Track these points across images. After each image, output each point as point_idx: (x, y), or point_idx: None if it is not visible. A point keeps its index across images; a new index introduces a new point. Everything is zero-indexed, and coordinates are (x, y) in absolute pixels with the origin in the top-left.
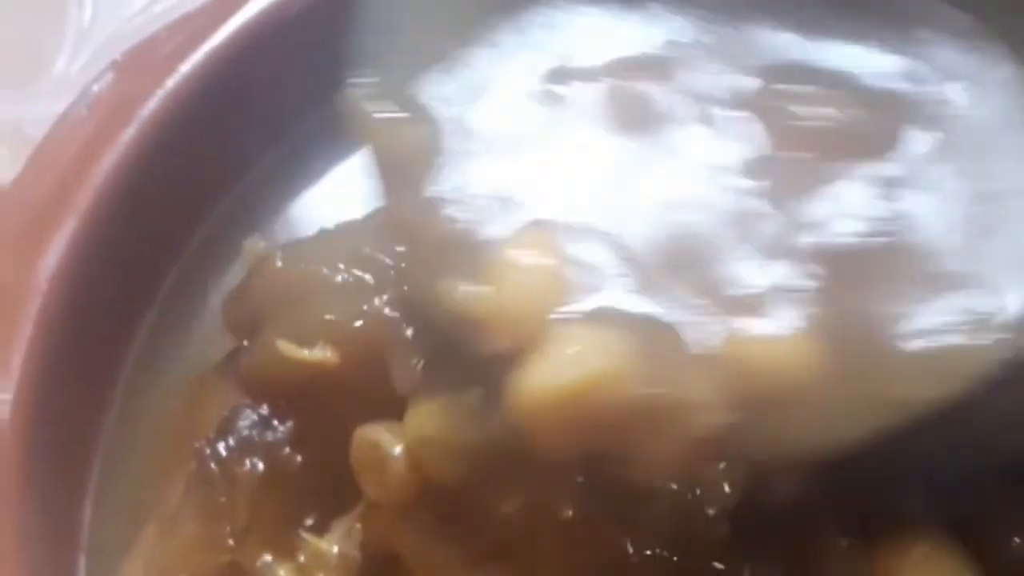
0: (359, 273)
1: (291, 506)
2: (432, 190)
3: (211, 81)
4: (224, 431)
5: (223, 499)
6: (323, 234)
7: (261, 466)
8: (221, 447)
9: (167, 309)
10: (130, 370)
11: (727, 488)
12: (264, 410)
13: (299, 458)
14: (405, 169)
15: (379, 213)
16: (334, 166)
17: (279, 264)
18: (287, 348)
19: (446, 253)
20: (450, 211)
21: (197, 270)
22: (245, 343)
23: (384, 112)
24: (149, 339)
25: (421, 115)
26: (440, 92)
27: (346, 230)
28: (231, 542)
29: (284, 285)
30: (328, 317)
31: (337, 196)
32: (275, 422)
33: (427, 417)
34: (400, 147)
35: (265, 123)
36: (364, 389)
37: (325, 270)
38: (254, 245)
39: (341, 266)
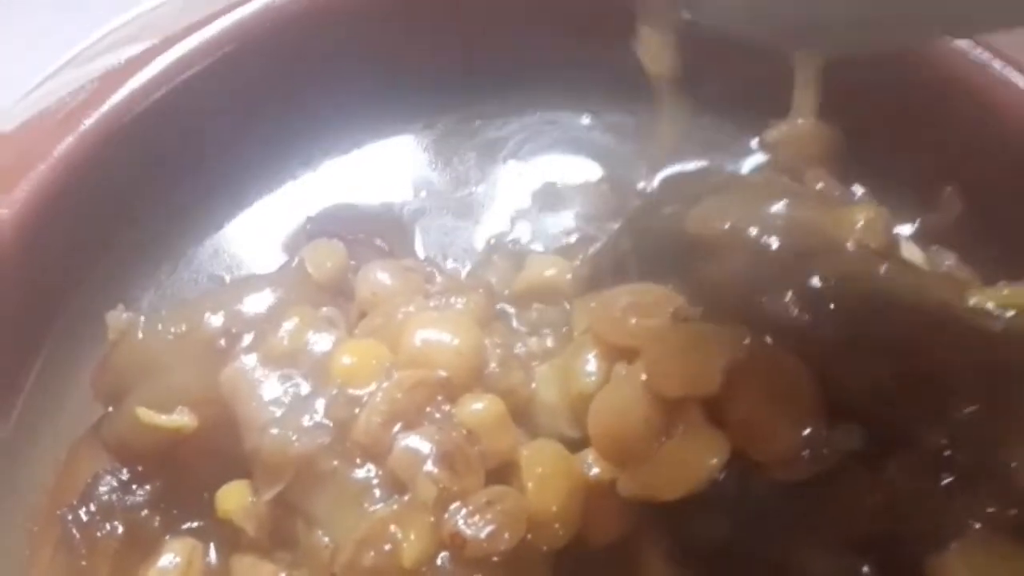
0: (218, 340)
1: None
2: None
3: (79, 162)
4: (86, 497)
5: (84, 563)
6: (184, 304)
7: (120, 529)
8: (83, 512)
9: (43, 379)
10: (7, 438)
11: None
12: (124, 475)
13: (157, 520)
14: None
15: (237, 283)
16: (215, 230)
17: (140, 335)
18: (146, 415)
19: None
20: None
21: (71, 342)
22: (110, 411)
23: None
24: (25, 409)
25: None
26: None
27: (205, 299)
28: None
29: (144, 354)
30: (187, 382)
31: (218, 257)
32: (135, 486)
33: None
34: None
35: (144, 191)
36: (220, 451)
37: (183, 338)
38: (116, 317)
39: (202, 332)
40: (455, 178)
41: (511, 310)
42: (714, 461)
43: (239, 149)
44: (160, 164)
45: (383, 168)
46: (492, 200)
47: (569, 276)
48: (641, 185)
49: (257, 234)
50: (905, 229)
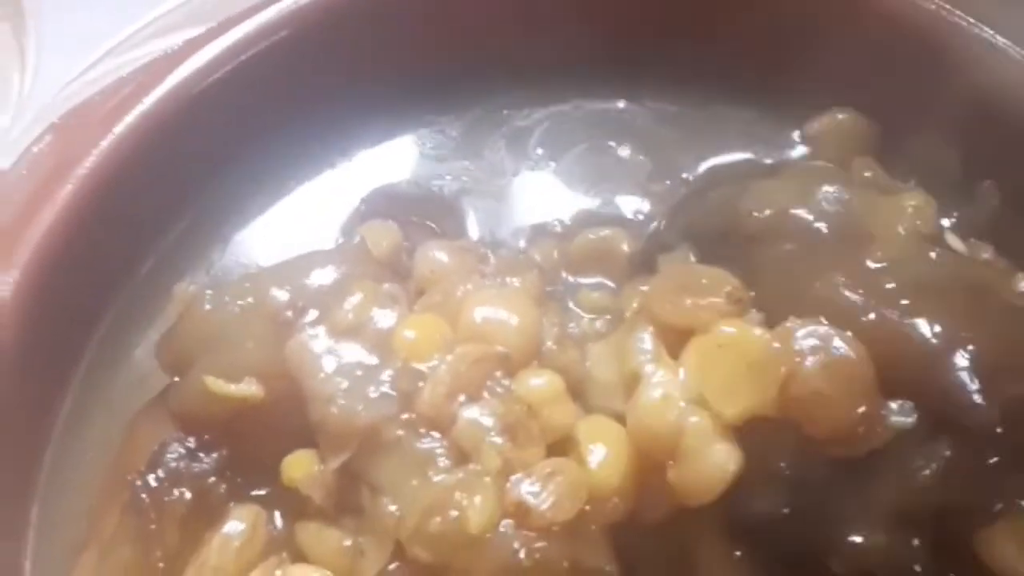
0: (283, 313)
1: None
2: None
3: (143, 140)
4: (154, 464)
5: (153, 526)
6: (248, 277)
7: (188, 495)
8: (151, 479)
9: (105, 350)
10: (70, 408)
11: None
12: (191, 443)
13: (224, 487)
14: None
15: (301, 258)
16: (259, 214)
17: (207, 307)
18: (214, 384)
19: None
20: None
21: (134, 313)
22: (176, 380)
23: None
24: (87, 378)
25: None
26: None
27: (270, 273)
28: (162, 565)
29: (211, 326)
30: (253, 353)
31: (265, 241)
32: (201, 454)
33: None
34: None
35: (192, 178)
36: (285, 421)
37: (249, 311)
38: (183, 290)
39: (268, 305)
40: (491, 165)
41: (564, 289)
42: (732, 468)
43: (278, 141)
44: (206, 153)
45: (419, 157)
46: (532, 185)
47: (624, 246)
48: (685, 175)
49: (300, 220)
50: (944, 222)
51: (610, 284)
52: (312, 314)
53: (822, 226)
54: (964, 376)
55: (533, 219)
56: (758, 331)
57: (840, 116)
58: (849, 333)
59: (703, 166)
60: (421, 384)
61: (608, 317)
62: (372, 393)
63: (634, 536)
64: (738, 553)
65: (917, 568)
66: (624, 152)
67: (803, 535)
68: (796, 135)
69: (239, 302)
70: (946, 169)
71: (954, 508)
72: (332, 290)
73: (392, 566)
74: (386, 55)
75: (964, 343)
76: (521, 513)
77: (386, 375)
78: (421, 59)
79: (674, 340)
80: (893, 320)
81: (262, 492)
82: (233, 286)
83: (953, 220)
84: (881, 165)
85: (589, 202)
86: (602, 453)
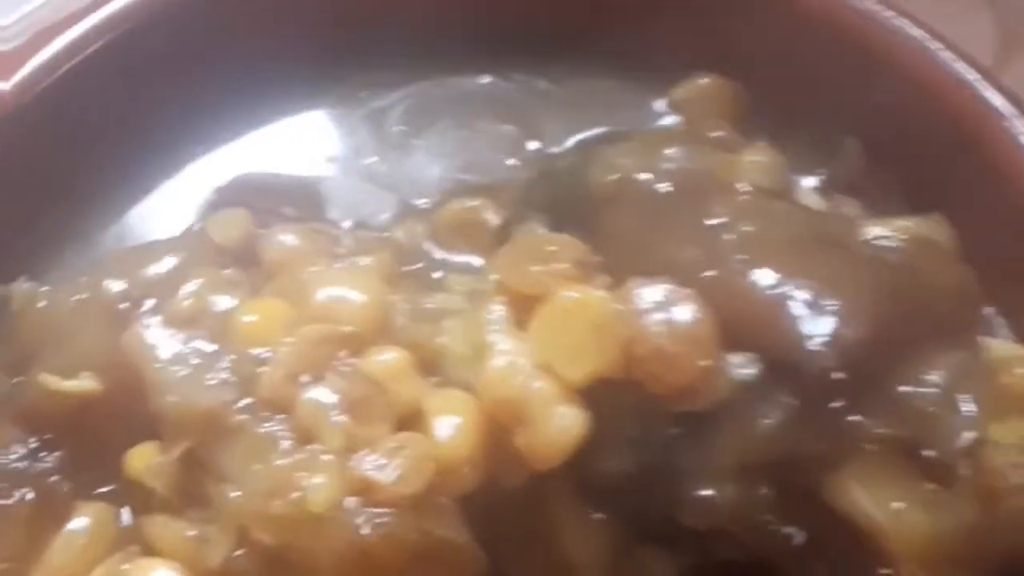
0: (119, 304)
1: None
2: None
3: None
4: None
5: None
6: (83, 271)
7: (31, 495)
8: None
9: None
10: None
11: None
12: (33, 443)
13: (68, 485)
14: None
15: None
16: (118, 213)
17: (42, 304)
18: (51, 381)
19: None
20: None
21: None
22: (15, 382)
23: None
24: None
25: None
26: None
27: (105, 265)
28: (4, 567)
29: (47, 323)
30: (90, 347)
31: (120, 238)
32: (43, 453)
33: None
34: None
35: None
36: (128, 415)
37: (85, 304)
38: (19, 288)
39: (103, 298)
40: (351, 148)
41: (427, 265)
42: (576, 430)
43: (135, 136)
44: (57, 150)
45: (282, 145)
46: (395, 164)
47: (490, 215)
48: (551, 148)
49: (162, 216)
50: (810, 181)
51: (477, 259)
52: (149, 304)
53: (664, 187)
54: (803, 324)
55: (397, 197)
56: (599, 293)
57: (703, 81)
58: (690, 290)
59: (569, 139)
60: (263, 369)
61: (470, 293)
62: (211, 380)
63: (492, 506)
64: (599, 515)
65: (767, 518)
66: (489, 126)
67: (654, 493)
68: (663, 104)
69: (74, 297)
70: (812, 129)
71: (800, 456)
72: (169, 278)
73: (238, 552)
74: (239, 47)
75: (803, 292)
76: (366, 489)
77: (225, 361)
78: (276, 48)
79: (525, 309)
80: (732, 274)
81: (109, 488)
82: (68, 282)
83: (822, 180)
84: (747, 129)
85: (454, 177)
86: (450, 424)
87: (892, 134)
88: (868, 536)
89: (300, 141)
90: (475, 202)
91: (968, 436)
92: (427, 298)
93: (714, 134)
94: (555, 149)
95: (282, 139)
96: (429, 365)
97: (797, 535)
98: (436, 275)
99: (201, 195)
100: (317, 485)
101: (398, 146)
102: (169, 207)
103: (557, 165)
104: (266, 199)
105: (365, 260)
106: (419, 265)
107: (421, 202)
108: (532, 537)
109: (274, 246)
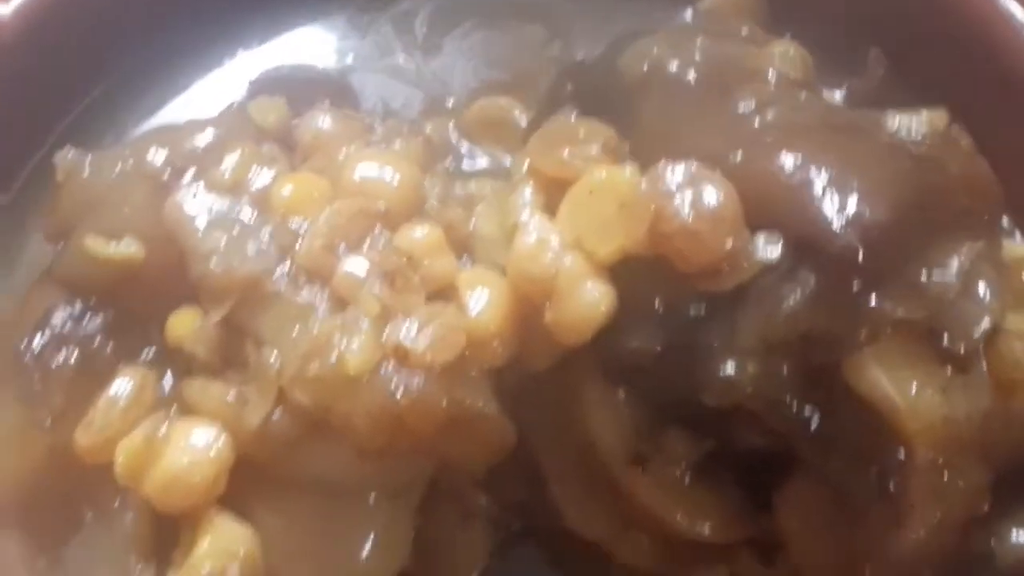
0: (162, 175)
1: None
2: None
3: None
4: (39, 327)
5: (37, 388)
6: (127, 143)
7: (75, 356)
8: (36, 342)
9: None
10: None
11: None
12: (77, 306)
13: (111, 347)
14: None
15: (180, 125)
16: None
17: (86, 173)
18: (94, 244)
19: None
20: None
21: (31, 198)
22: (60, 247)
23: None
24: None
25: None
26: None
27: (148, 138)
28: (49, 425)
29: (91, 191)
30: (132, 215)
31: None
32: (87, 316)
33: None
34: None
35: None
36: (169, 282)
37: (128, 174)
38: (63, 157)
39: (146, 168)
40: (378, 46)
41: (456, 160)
42: (604, 306)
43: (172, 35)
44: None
45: (312, 46)
46: (423, 64)
47: (518, 113)
48: (578, 49)
49: (200, 110)
50: (836, 95)
51: (506, 155)
52: (190, 174)
53: (694, 75)
54: (826, 206)
55: (425, 94)
56: (627, 173)
57: None
58: (716, 171)
59: (595, 40)
60: (300, 239)
61: (500, 182)
62: (250, 248)
63: (521, 384)
64: (622, 394)
65: (787, 398)
66: (515, 26)
67: (677, 371)
68: (689, 13)
69: (117, 167)
70: (836, 41)
71: (821, 337)
72: (210, 150)
73: (276, 413)
74: None
75: (827, 176)
76: (400, 355)
77: (265, 231)
78: None
79: (555, 193)
80: (757, 157)
81: (152, 353)
82: (112, 152)
83: (844, 91)
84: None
85: (481, 76)
86: (481, 299)
87: (913, 43)
88: (884, 417)
89: (329, 42)
90: (503, 100)
91: (986, 323)
92: (458, 186)
93: (744, 31)
94: (581, 50)
95: (312, 40)
96: (460, 246)
97: (815, 416)
98: (465, 168)
99: (237, 91)
100: (354, 348)
101: (424, 47)
102: (206, 102)
103: (587, 59)
104: (300, 91)
105: (399, 144)
106: (448, 159)
107: (449, 100)
108: (559, 415)
109: (310, 128)
